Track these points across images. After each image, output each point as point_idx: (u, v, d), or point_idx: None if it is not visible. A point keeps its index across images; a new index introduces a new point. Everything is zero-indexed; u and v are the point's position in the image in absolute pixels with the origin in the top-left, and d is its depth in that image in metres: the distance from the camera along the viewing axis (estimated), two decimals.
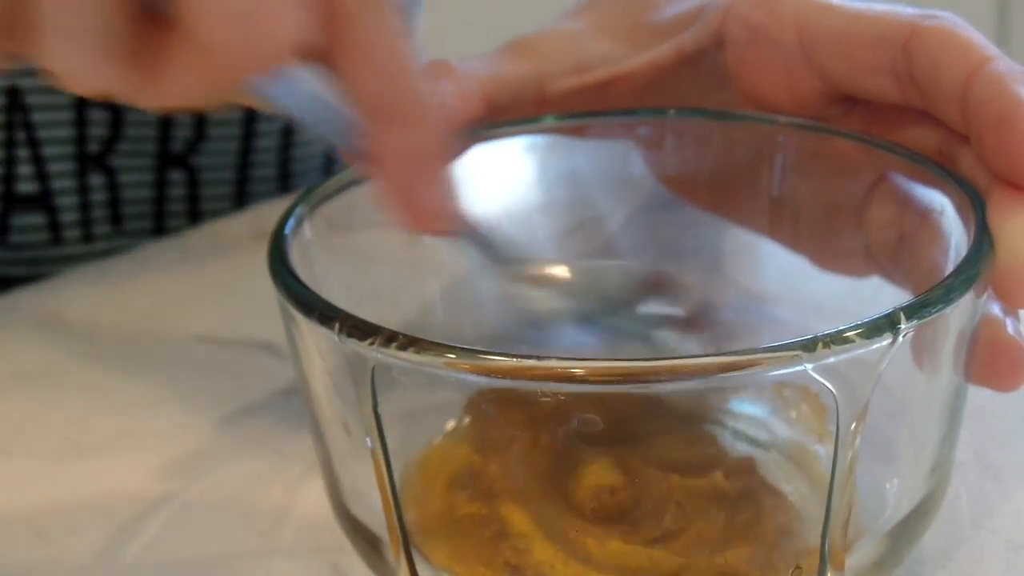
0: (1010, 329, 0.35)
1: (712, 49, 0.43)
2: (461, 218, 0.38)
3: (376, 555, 0.35)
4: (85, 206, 0.66)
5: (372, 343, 0.31)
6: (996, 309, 0.35)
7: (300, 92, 0.34)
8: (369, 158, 0.34)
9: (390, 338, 0.31)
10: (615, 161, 0.45)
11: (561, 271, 0.41)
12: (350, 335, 0.31)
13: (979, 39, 0.37)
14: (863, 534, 0.34)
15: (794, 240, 0.43)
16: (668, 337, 0.41)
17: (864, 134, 0.40)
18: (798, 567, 0.33)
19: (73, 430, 0.46)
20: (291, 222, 0.37)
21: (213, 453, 0.45)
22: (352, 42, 0.32)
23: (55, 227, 0.66)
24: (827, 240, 0.42)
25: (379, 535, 0.34)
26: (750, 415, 0.40)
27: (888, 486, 0.35)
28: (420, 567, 0.34)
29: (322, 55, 0.32)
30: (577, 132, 0.43)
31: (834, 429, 0.31)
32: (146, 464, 0.44)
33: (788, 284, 0.44)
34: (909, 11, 0.39)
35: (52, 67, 0.31)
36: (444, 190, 0.35)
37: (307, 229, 0.38)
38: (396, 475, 0.33)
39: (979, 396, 0.37)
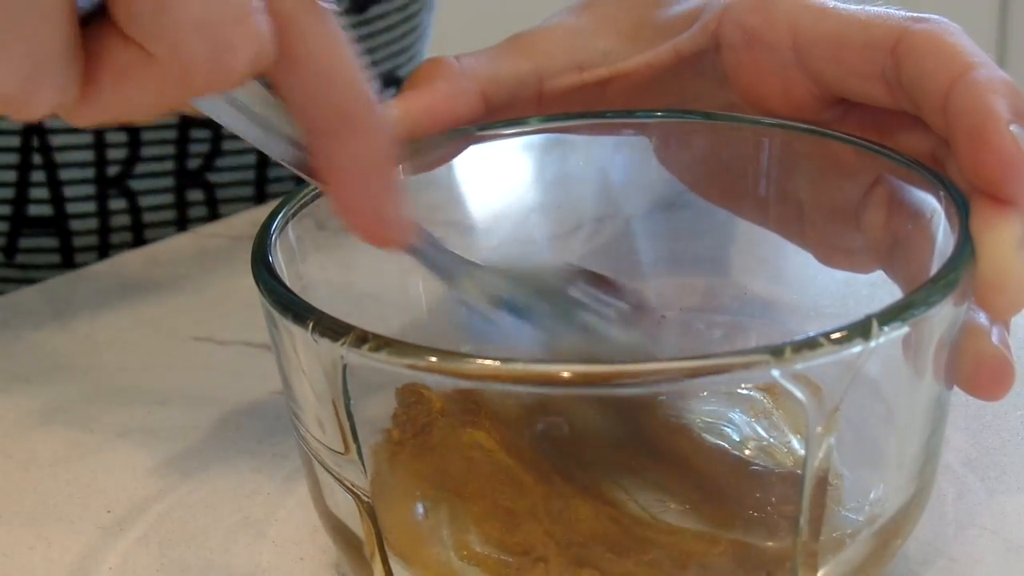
0: (995, 338, 0.35)
1: (710, 51, 0.43)
2: (415, 229, 0.37)
3: (356, 555, 0.35)
4: (104, 231, 0.65)
5: (343, 343, 0.31)
6: (982, 318, 0.35)
7: (241, 106, 0.33)
8: (317, 173, 0.34)
9: (362, 338, 0.30)
10: (614, 162, 0.45)
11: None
12: (323, 334, 0.31)
13: (966, 45, 0.37)
14: (846, 535, 0.34)
15: (797, 236, 0.43)
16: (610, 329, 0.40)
17: (857, 137, 0.39)
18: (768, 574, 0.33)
19: (73, 430, 0.46)
20: (277, 221, 0.37)
21: (212, 453, 0.45)
22: (294, 45, 0.31)
23: (67, 250, 0.65)
24: (830, 238, 0.42)
25: (358, 535, 0.34)
26: (730, 413, 0.39)
27: (873, 488, 0.35)
28: (396, 568, 0.34)
29: (267, 67, 0.31)
30: (566, 133, 0.43)
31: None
32: (146, 464, 0.44)
33: (789, 287, 0.44)
34: (900, 15, 0.38)
35: None
36: (397, 199, 0.34)
37: (294, 228, 0.38)
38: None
39: None
